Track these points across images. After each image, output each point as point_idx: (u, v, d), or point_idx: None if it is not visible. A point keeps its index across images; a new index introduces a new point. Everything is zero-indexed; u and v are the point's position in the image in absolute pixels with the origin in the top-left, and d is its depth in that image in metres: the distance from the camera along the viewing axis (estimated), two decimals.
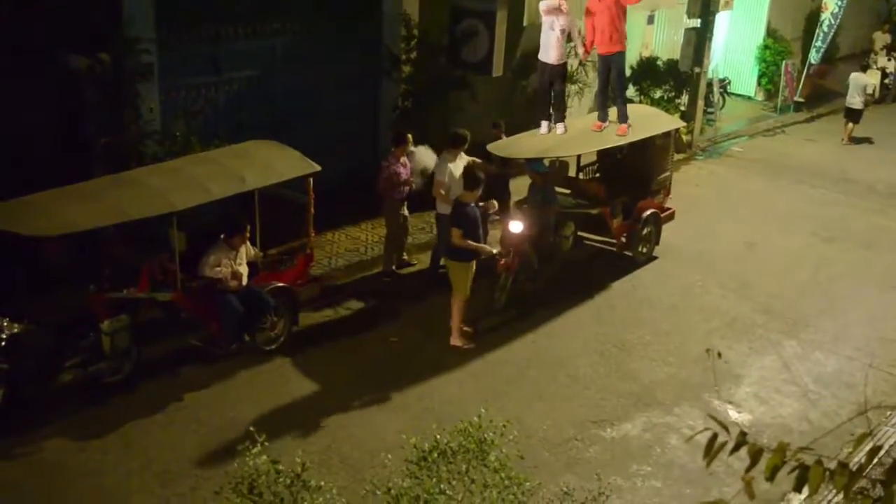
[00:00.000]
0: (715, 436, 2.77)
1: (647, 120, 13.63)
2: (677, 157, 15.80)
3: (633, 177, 13.24)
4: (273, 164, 10.64)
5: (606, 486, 4.91)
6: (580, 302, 12.22)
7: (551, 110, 12.47)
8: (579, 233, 13.15)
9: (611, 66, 12.46)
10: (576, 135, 12.65)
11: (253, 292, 10.04)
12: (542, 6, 12.12)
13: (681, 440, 9.42)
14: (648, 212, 13.34)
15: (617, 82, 12.74)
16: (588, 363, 10.77)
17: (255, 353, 10.31)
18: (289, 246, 10.81)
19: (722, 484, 8.73)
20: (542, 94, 12.63)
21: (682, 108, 18.83)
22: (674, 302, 12.47)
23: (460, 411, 4.91)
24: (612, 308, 12.21)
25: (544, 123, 12.49)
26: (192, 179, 9.99)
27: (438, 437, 4.57)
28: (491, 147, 12.07)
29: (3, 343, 8.78)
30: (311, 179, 10.69)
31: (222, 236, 9.89)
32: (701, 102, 19.09)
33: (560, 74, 12.39)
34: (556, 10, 11.92)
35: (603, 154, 13.68)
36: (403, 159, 12.03)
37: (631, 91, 18.50)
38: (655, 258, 13.65)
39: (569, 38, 12.37)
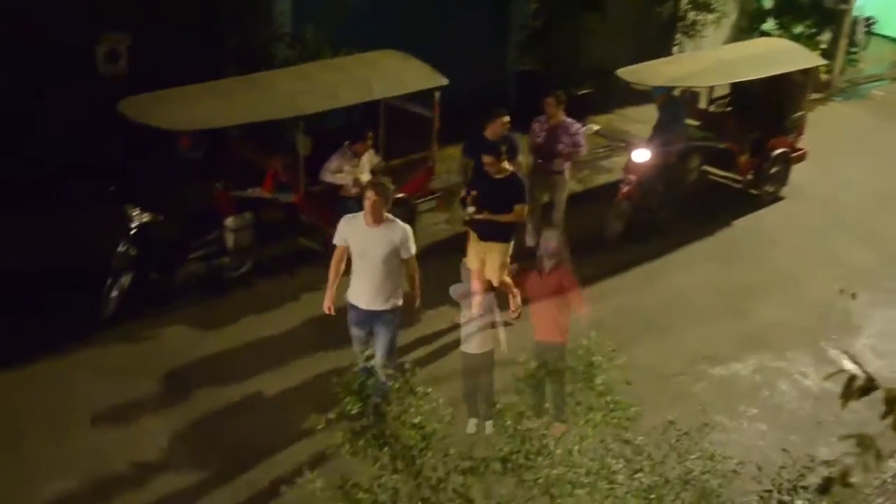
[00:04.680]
0: (853, 377, 2.68)
1: (786, 55, 13.15)
2: (814, 96, 15.18)
3: (766, 113, 12.83)
4: (401, 75, 10.65)
5: (711, 422, 4.86)
6: (700, 237, 12.00)
7: None
8: (704, 167, 12.84)
9: None
10: (709, 65, 12.28)
11: None
12: None
13: (791, 385, 9.26)
14: (779, 150, 12.93)
15: None
16: (702, 299, 10.61)
17: None
18: (411, 158, 10.86)
19: (830, 434, 8.54)
20: None
21: (823, 46, 18.05)
22: (796, 245, 12.13)
23: (570, 336, 4.91)
24: (732, 246, 11.96)
25: None
26: (321, 85, 10.09)
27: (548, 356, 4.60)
28: (621, 72, 11.80)
29: (134, 231, 9.14)
30: (438, 93, 10.67)
31: (346, 143, 10.00)
32: (844, 41, 18.27)
33: None
34: None
35: (736, 87, 13.26)
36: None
37: (770, 25, 17.85)
38: (781, 199, 13.26)
39: None
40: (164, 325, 9.30)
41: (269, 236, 10.19)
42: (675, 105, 12.03)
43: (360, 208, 9.91)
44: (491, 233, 9.21)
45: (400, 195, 10.51)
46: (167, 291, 9.57)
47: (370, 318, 7.73)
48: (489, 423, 7.39)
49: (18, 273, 9.56)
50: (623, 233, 11.50)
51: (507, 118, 9.99)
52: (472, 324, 7.68)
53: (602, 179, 13.40)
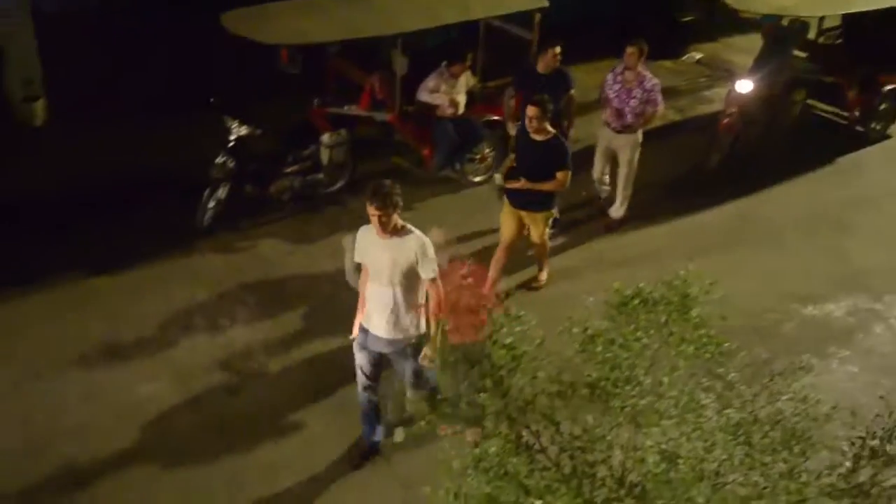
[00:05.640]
0: None
1: None
2: None
3: (878, 47, 12.30)
4: None
5: (803, 362, 4.78)
6: (799, 173, 11.65)
7: None
8: (809, 101, 12.43)
9: None
10: None
11: (468, 122, 10.13)
12: None
13: (886, 329, 9.05)
14: (890, 86, 12.39)
15: None
16: (798, 236, 10.37)
17: (462, 182, 10.48)
18: (508, 80, 10.73)
19: None
20: None
21: None
22: None
23: (663, 268, 4.85)
24: (832, 183, 11.60)
25: None
26: (421, 3, 10.00)
27: (642, 285, 4.54)
28: None
29: (232, 143, 9.27)
30: (539, 14, 10.49)
31: (444, 63, 9.95)
32: None
33: None
34: None
35: (849, 18, 12.73)
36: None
37: None
38: (888, 137, 12.78)
39: None
40: (257, 237, 9.50)
41: (363, 154, 10.24)
42: (782, 35, 11.62)
43: (455, 129, 9.98)
44: (527, 201, 8.42)
45: (495, 118, 10.48)
46: (262, 204, 9.73)
47: (384, 347, 6.53)
48: (399, 429, 6.34)
49: (121, 180, 9.83)
50: (721, 165, 11.26)
51: (558, 49, 9.39)
52: None
53: (702, 109, 13.08)
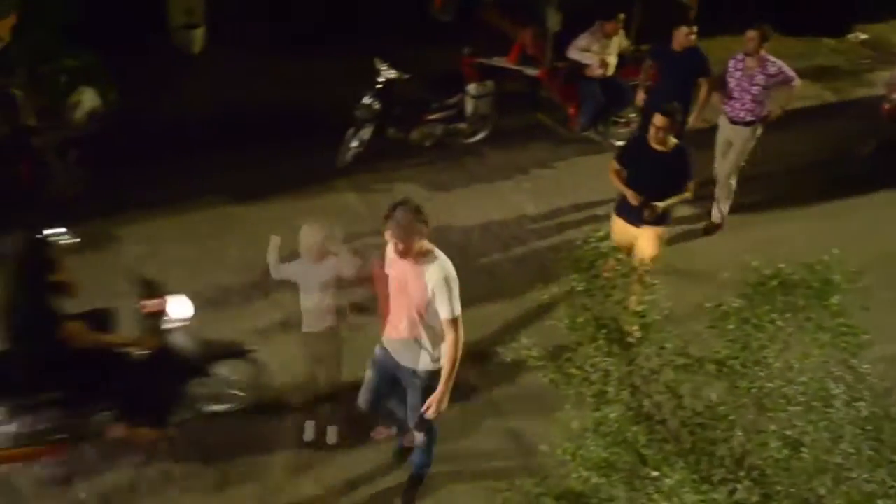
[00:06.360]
0: None
1: None
2: None
3: None
4: None
5: None
6: None
7: None
8: None
9: None
10: None
11: (616, 84, 9.99)
12: None
13: None
14: None
15: None
16: None
17: (604, 145, 10.35)
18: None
19: None
20: None
21: None
22: None
23: (802, 252, 4.68)
24: None
25: None
26: None
27: (782, 266, 4.42)
28: None
29: (380, 85, 9.38)
30: None
31: (598, 22, 9.81)
32: None
33: None
34: None
35: None
36: None
37: None
38: None
39: None
40: (394, 180, 9.60)
41: (507, 108, 10.22)
42: None
43: (602, 90, 9.85)
44: (641, 216, 7.34)
45: (649, 83, 10.29)
46: (402, 149, 9.82)
47: (398, 371, 5.81)
48: (332, 428, 6.47)
49: (269, 112, 10.08)
50: (876, 152, 10.79)
51: (693, 28, 8.85)
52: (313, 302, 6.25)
53: (862, 93, 12.54)
